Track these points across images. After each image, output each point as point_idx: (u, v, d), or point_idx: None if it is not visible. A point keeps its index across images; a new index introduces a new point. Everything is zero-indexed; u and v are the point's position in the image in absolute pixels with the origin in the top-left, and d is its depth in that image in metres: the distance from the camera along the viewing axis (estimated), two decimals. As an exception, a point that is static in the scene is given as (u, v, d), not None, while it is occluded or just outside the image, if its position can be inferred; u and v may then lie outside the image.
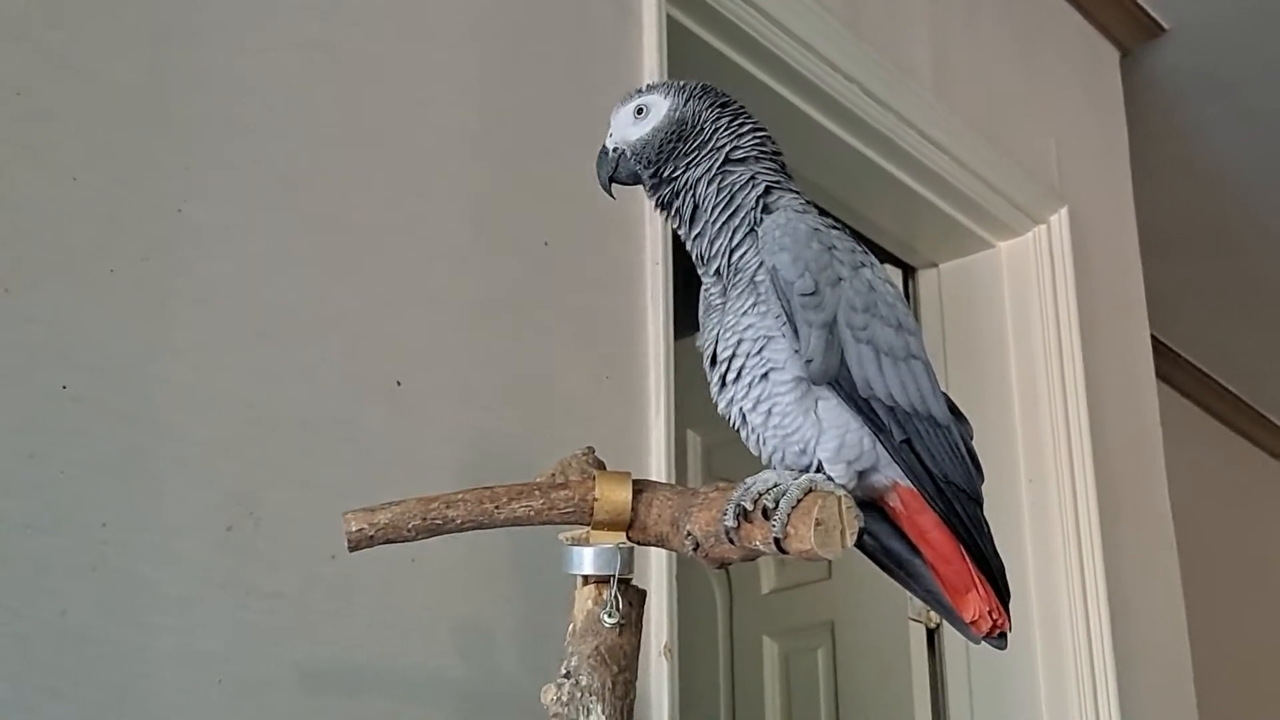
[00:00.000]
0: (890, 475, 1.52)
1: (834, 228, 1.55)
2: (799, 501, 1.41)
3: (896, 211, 3.64)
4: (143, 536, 1.73)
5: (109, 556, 1.69)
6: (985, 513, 1.58)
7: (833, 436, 1.49)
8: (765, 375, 1.51)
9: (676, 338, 2.54)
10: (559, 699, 1.49)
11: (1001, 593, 1.57)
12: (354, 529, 1.50)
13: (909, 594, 1.76)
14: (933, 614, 3.45)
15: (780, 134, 1.63)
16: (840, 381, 1.49)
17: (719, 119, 1.57)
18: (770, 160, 1.58)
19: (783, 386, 1.50)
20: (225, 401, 1.86)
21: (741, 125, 1.57)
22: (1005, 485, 3.56)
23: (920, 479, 1.51)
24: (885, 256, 3.78)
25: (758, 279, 1.51)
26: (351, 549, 1.51)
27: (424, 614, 2.00)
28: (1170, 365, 6.06)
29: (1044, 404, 3.66)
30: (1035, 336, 3.72)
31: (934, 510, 1.52)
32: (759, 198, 1.54)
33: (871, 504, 1.55)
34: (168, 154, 1.89)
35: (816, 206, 1.59)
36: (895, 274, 3.78)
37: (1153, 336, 4.30)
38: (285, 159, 2.02)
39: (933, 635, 3.56)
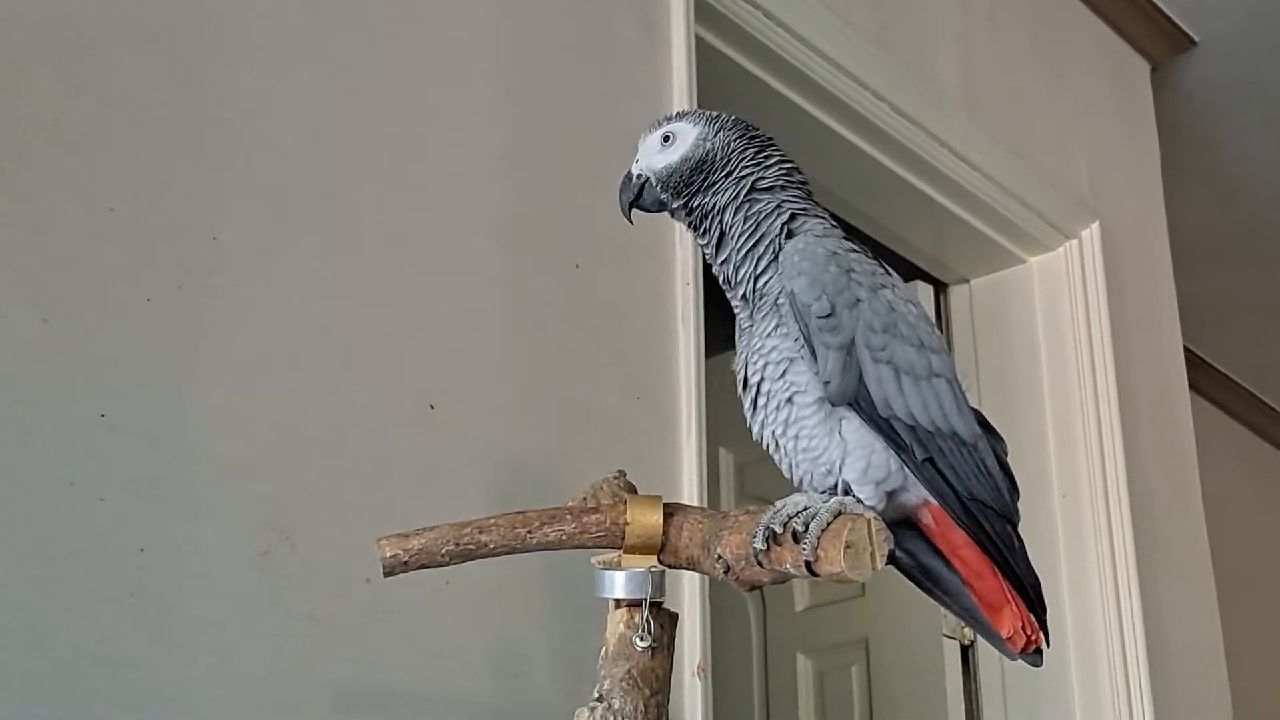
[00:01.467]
0: (920, 493, 1.52)
1: (855, 251, 1.56)
2: (829, 524, 1.41)
3: (927, 228, 3.64)
4: (180, 561, 1.75)
5: (146, 581, 1.71)
6: (1021, 528, 1.57)
7: (859, 457, 1.49)
8: (790, 399, 1.51)
9: (707, 356, 2.55)
10: (592, 722, 1.49)
11: (1037, 609, 1.56)
12: (388, 555, 1.51)
13: (943, 611, 1.76)
14: (967, 631, 3.45)
15: (810, 152, 1.63)
16: (860, 402, 1.49)
17: (745, 149, 1.58)
18: (796, 189, 1.58)
19: (807, 410, 1.50)
20: (260, 426, 1.87)
21: (768, 157, 1.58)
22: (1039, 500, 3.55)
23: (944, 496, 1.50)
24: (916, 273, 3.78)
25: (779, 302, 1.52)
26: (386, 574, 1.52)
27: (457, 637, 2.01)
28: (1203, 377, 6.02)
29: (1077, 418, 3.65)
30: (1067, 351, 3.71)
31: (961, 527, 1.52)
32: (783, 224, 1.55)
33: (907, 522, 1.55)
34: (201, 182, 1.91)
35: (843, 227, 1.59)
36: (926, 290, 3.76)
37: (1185, 348, 4.28)
38: (316, 184, 2.04)
39: (967, 652, 3.55)
